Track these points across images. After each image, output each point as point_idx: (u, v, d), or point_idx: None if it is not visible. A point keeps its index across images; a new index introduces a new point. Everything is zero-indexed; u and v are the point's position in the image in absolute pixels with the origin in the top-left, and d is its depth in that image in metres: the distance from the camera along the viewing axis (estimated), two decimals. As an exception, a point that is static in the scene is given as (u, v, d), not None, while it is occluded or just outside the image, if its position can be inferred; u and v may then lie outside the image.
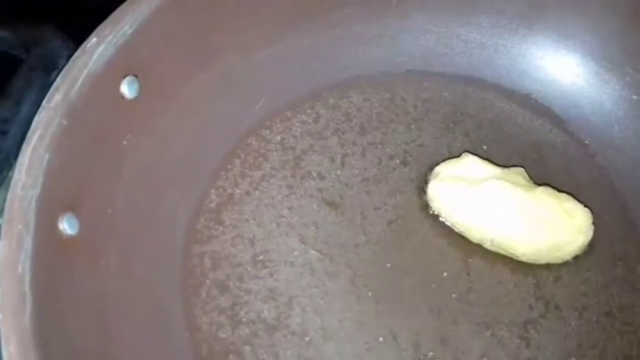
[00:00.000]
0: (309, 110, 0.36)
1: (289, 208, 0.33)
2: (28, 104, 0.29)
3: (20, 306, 0.22)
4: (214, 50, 0.33)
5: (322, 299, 0.31)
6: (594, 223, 0.32)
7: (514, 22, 0.37)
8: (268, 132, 0.35)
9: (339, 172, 0.35)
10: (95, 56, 0.26)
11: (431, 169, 0.34)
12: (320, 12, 0.37)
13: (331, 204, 0.34)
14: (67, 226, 0.25)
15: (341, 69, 0.37)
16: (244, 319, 0.30)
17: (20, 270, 0.22)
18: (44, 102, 0.25)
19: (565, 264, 0.32)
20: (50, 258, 0.24)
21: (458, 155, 0.34)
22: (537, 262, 0.32)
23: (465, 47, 0.38)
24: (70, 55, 0.27)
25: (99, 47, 0.27)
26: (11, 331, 0.21)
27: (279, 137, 0.35)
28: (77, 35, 0.28)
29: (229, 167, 0.34)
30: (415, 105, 0.37)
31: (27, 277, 0.22)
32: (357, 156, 0.35)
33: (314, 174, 0.35)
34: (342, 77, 0.37)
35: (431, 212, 0.33)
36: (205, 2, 0.32)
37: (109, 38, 0.27)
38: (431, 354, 0.30)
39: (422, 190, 0.34)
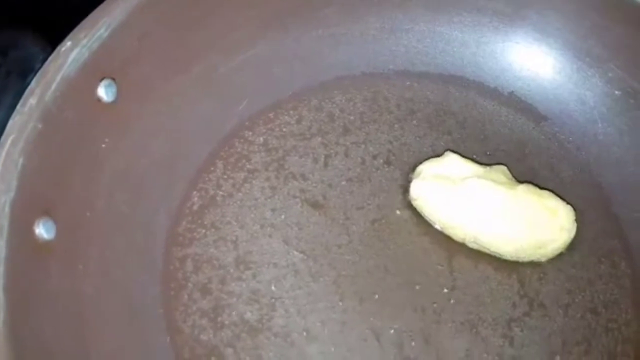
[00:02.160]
0: (291, 112, 0.36)
1: (272, 209, 0.33)
2: (4, 108, 0.29)
3: (-8, 312, 0.21)
4: (194, 51, 0.33)
5: (305, 300, 0.31)
6: (577, 220, 0.32)
7: (495, 20, 0.37)
8: (251, 133, 0.35)
9: (322, 172, 0.35)
10: (70, 59, 0.26)
11: (414, 168, 0.34)
12: (302, 12, 0.36)
13: (314, 205, 0.34)
14: (43, 230, 0.25)
15: (324, 69, 0.37)
16: (226, 322, 0.30)
17: (-7, 275, 0.22)
18: (18, 106, 0.25)
19: (549, 261, 0.32)
20: (26, 263, 0.24)
21: (441, 154, 0.34)
22: (520, 260, 0.32)
23: (447, 45, 0.38)
24: (46, 59, 0.27)
25: (74, 50, 0.27)
26: (-17, 337, 0.21)
27: (261, 139, 0.35)
28: (55, 39, 0.28)
29: (211, 169, 0.34)
30: (398, 104, 0.37)
31: (1, 283, 0.22)
32: (341, 156, 0.35)
33: (297, 175, 0.34)
34: (325, 77, 0.37)
35: (414, 211, 0.33)
36: (183, 4, 0.32)
37: (84, 41, 0.27)
38: (415, 353, 0.30)
39: (405, 189, 0.34)
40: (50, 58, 0.26)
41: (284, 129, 0.36)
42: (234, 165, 0.34)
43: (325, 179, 0.34)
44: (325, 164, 0.35)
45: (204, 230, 0.32)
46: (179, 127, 0.33)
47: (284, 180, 0.34)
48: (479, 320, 0.31)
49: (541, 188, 0.33)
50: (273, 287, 0.31)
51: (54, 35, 0.29)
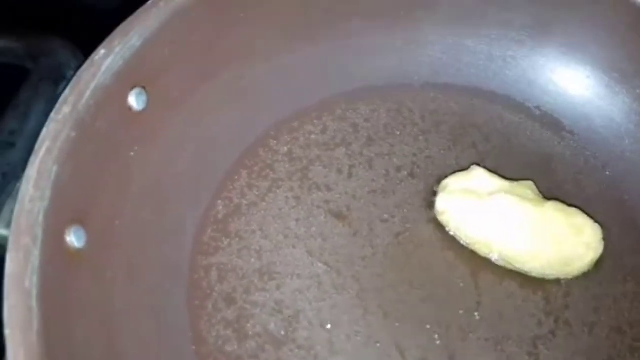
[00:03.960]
0: (316, 121, 0.36)
1: (296, 220, 0.33)
2: (36, 115, 0.29)
3: (27, 321, 0.21)
4: (221, 60, 0.33)
5: (329, 312, 0.31)
6: (603, 238, 0.32)
7: (523, 34, 0.37)
8: (275, 142, 0.35)
9: (346, 183, 0.34)
10: (103, 68, 0.26)
11: (439, 181, 0.34)
12: (328, 22, 0.36)
13: (338, 216, 0.33)
14: (74, 239, 0.25)
15: (349, 79, 0.37)
16: (250, 333, 0.30)
17: (27, 284, 0.22)
18: (52, 114, 0.25)
19: (575, 278, 0.32)
20: (58, 272, 0.24)
21: (466, 168, 0.34)
22: (546, 277, 0.32)
23: (473, 58, 0.38)
24: (78, 67, 0.27)
25: (107, 58, 0.27)
26: (19, 347, 0.21)
27: (286, 148, 0.35)
28: (85, 46, 0.28)
29: (236, 177, 0.34)
30: (423, 116, 0.37)
31: (35, 292, 0.22)
32: (365, 167, 0.35)
33: (321, 185, 0.34)
34: (350, 87, 0.37)
35: (439, 225, 0.33)
36: (212, 13, 0.32)
37: (117, 49, 0.27)
38: (439, 369, 0.30)
39: (429, 202, 0.34)
40: (84, 66, 0.26)
41: (308, 139, 0.36)
42: (259, 175, 0.34)
43: (349, 190, 0.34)
44: (349, 175, 0.35)
45: (228, 240, 0.32)
46: (205, 135, 0.33)
47: (308, 190, 0.34)
48: (504, 337, 0.30)
49: (568, 205, 0.32)
50: (297, 299, 0.31)
51: (84, 42, 0.29)
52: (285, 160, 0.35)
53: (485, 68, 0.38)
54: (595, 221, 0.32)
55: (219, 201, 0.33)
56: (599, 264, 0.32)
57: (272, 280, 0.31)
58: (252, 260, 0.32)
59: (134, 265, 0.28)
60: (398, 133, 0.36)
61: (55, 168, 0.24)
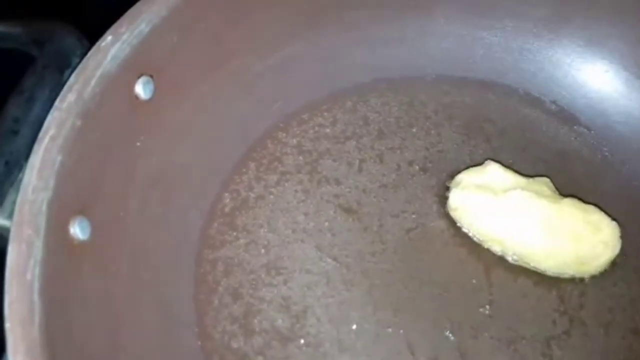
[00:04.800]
0: (326, 114, 0.35)
1: (305, 214, 0.32)
2: (40, 103, 0.29)
3: (29, 315, 0.21)
4: (230, 50, 0.32)
5: (337, 309, 0.30)
6: (621, 237, 0.31)
7: (539, 26, 0.36)
8: (284, 135, 0.35)
9: (356, 177, 0.34)
10: (110, 55, 0.26)
11: (451, 176, 0.33)
12: (339, 12, 0.36)
13: (348, 211, 0.33)
14: (78, 230, 0.24)
15: (360, 71, 0.36)
16: (257, 329, 0.29)
17: (29, 277, 0.21)
18: (56, 102, 0.24)
19: (591, 277, 0.31)
20: (61, 264, 0.23)
21: (479, 163, 0.33)
22: (561, 276, 0.31)
23: (488, 51, 0.37)
24: (84, 54, 0.26)
25: (114, 45, 0.26)
26: (20, 341, 0.20)
27: (295, 141, 0.34)
28: (92, 32, 0.27)
29: (244, 170, 0.33)
30: (435, 110, 0.36)
31: (37, 285, 0.21)
32: (375, 161, 0.34)
33: (331, 179, 0.34)
34: (361, 80, 0.36)
35: (451, 221, 0.32)
36: (222, 1, 0.31)
37: (125, 37, 0.26)
38: (450, 369, 0.29)
39: (442, 197, 0.33)
40: (90, 53, 0.25)
41: (318, 131, 0.35)
42: (267, 167, 0.33)
43: (359, 184, 0.34)
44: (360, 169, 0.34)
45: (235, 233, 0.31)
46: (212, 126, 0.32)
47: (317, 184, 0.33)
48: (518, 337, 0.30)
49: (585, 202, 0.32)
50: (305, 295, 0.30)
51: (90, 29, 0.28)
52: (295, 153, 0.34)
53: (501, 61, 0.37)
54: (612, 219, 0.31)
55: (226, 194, 0.32)
56: (615, 262, 0.31)
57: (280, 275, 0.31)
58: (260, 254, 0.31)
59: (138, 258, 0.28)
60: (410, 126, 0.35)
61: (59, 157, 0.23)
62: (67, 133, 0.24)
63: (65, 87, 0.25)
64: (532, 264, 0.31)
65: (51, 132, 0.24)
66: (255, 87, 0.34)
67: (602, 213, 0.31)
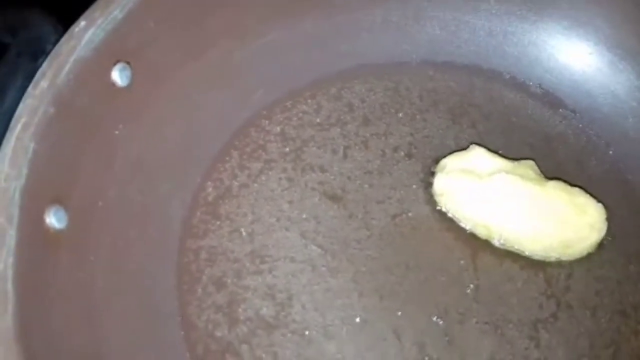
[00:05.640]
0: (310, 101, 0.35)
1: (289, 202, 0.32)
2: (13, 91, 0.28)
3: (2, 305, 0.20)
4: (210, 36, 0.32)
5: (323, 296, 0.30)
6: (607, 219, 0.31)
7: (524, 9, 0.36)
8: (267, 122, 0.34)
9: (341, 164, 0.33)
10: (83, 41, 0.25)
11: (437, 161, 0.33)
12: (321, -2, 0.35)
13: (333, 198, 0.32)
14: (54, 220, 0.24)
15: (343, 57, 0.36)
16: (241, 317, 0.29)
17: (1, 266, 0.21)
18: (29, 89, 0.24)
19: (577, 260, 0.31)
20: (36, 253, 0.23)
21: (465, 148, 0.33)
22: (547, 260, 0.31)
23: (472, 35, 0.37)
24: (58, 41, 0.25)
25: (88, 31, 0.25)
26: (-9, 331, 0.20)
27: (278, 128, 0.34)
28: (67, 19, 0.27)
29: (227, 158, 0.33)
30: (420, 95, 0.36)
31: (10, 274, 0.21)
32: (360, 148, 0.34)
33: (315, 167, 0.33)
34: (345, 66, 0.36)
35: (437, 206, 0.32)
36: (201, -14, 0.30)
37: (99, 21, 0.26)
38: (437, 354, 0.29)
39: (427, 183, 0.33)
40: (63, 39, 0.25)
41: (302, 119, 0.35)
42: (250, 155, 0.33)
43: (344, 171, 0.33)
44: (345, 156, 0.34)
45: (218, 222, 0.31)
46: (193, 114, 0.32)
47: (302, 171, 0.33)
48: (504, 320, 0.29)
49: (570, 185, 0.31)
50: (290, 282, 0.30)
51: (64, 14, 0.28)
52: (278, 141, 0.34)
53: (485, 45, 0.36)
54: (598, 201, 0.31)
55: (209, 182, 0.32)
56: (601, 245, 0.31)
57: (264, 264, 0.30)
58: (244, 243, 0.31)
59: (118, 248, 0.27)
60: (395, 112, 0.35)
61: (32, 145, 0.23)
62: (40, 120, 0.23)
63: (38, 74, 0.24)
64: (518, 248, 0.31)
65: (23, 119, 0.23)
66: (238, 75, 0.33)
67: (588, 195, 0.31)
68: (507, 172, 0.30)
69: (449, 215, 0.32)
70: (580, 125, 0.35)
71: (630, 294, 0.31)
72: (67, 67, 0.24)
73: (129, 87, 0.28)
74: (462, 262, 0.31)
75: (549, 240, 0.30)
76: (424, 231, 0.32)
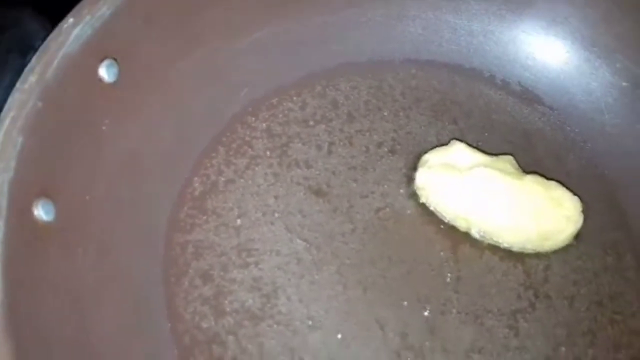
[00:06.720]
0: (295, 98, 0.36)
1: (275, 196, 0.33)
2: (3, 87, 0.28)
3: (-10, 295, 0.21)
4: (197, 34, 0.32)
5: (308, 288, 0.30)
6: (583, 211, 0.32)
7: (503, 9, 0.37)
8: (253, 119, 0.35)
9: (325, 160, 0.34)
10: (72, 37, 0.26)
11: (419, 157, 0.34)
12: (307, -3, 0.36)
13: (318, 193, 0.33)
14: (42, 212, 0.24)
15: (328, 56, 0.37)
16: (227, 309, 0.29)
17: (-10, 257, 0.21)
18: (18, 84, 0.24)
19: (555, 252, 0.32)
20: (24, 245, 0.23)
21: (447, 144, 0.34)
22: (526, 251, 0.32)
23: (453, 34, 0.37)
24: (47, 37, 0.26)
25: (76, 27, 0.26)
26: (-20, 320, 0.20)
27: (264, 125, 0.35)
28: (55, 16, 0.27)
29: (213, 154, 0.33)
30: (403, 93, 0.37)
31: (-1, 264, 0.21)
32: (345, 144, 0.35)
33: (300, 162, 0.34)
34: (330, 64, 0.37)
35: (419, 200, 0.33)
36: (188, -15, 0.31)
37: (87, 18, 0.26)
38: (419, 343, 0.29)
39: (410, 178, 0.34)
40: (51, 35, 0.25)
41: (288, 116, 0.35)
42: (236, 151, 0.34)
43: (328, 166, 0.34)
44: (329, 152, 0.34)
45: (205, 217, 0.32)
46: (180, 111, 0.32)
47: (287, 167, 0.34)
48: (484, 310, 0.30)
49: (547, 179, 0.32)
50: (275, 275, 0.30)
51: (53, 13, 0.28)
52: (264, 137, 0.34)
53: (466, 44, 0.37)
54: (575, 195, 0.32)
55: (196, 178, 0.33)
56: (578, 238, 0.32)
57: (250, 257, 0.31)
58: (230, 237, 0.31)
59: (106, 241, 0.28)
60: (378, 110, 0.36)
61: (20, 138, 0.23)
62: (28, 114, 0.24)
63: (27, 68, 0.25)
64: (497, 240, 0.31)
65: (12, 113, 0.23)
66: (224, 72, 0.34)
67: (564, 188, 0.32)
68: (487, 167, 0.31)
69: (431, 208, 0.32)
70: (558, 122, 0.36)
71: (606, 285, 0.32)
72: (55, 63, 0.25)
73: (116, 83, 0.28)
74: (443, 254, 0.32)
75: (527, 233, 0.31)
76: (406, 225, 0.32)
